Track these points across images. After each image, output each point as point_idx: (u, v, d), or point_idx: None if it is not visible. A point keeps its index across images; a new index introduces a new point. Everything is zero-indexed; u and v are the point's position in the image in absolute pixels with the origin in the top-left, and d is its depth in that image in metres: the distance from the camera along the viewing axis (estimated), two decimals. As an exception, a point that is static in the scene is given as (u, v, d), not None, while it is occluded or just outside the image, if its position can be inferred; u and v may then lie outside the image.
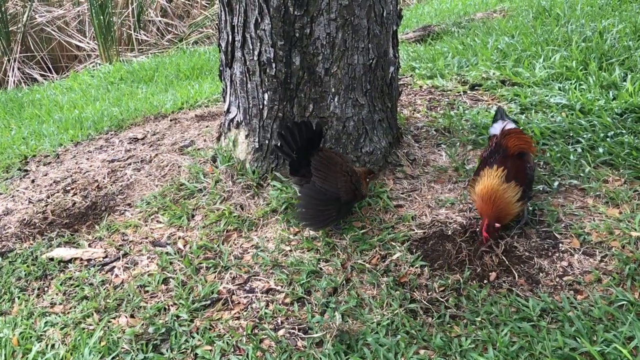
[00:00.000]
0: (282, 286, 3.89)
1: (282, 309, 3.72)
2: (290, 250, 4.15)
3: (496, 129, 4.29)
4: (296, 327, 3.61)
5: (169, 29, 15.45)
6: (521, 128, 4.08)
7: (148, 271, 4.13)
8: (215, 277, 4.02)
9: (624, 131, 5.08)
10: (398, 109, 5.60)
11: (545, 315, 3.55)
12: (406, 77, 6.78)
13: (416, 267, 3.92)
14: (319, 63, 4.37)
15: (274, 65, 4.37)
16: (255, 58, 4.40)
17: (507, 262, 3.92)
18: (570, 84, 6.01)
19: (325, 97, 4.46)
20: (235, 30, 4.45)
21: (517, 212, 3.96)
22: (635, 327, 3.30)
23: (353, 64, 4.42)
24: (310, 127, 4.10)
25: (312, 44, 4.32)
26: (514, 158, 4.09)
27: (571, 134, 5.13)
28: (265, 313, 3.70)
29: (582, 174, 4.65)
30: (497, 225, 3.89)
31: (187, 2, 16.03)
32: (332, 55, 4.36)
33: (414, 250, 4.06)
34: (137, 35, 14.65)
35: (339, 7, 4.25)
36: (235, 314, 3.74)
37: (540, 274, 3.85)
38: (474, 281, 3.82)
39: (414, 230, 4.22)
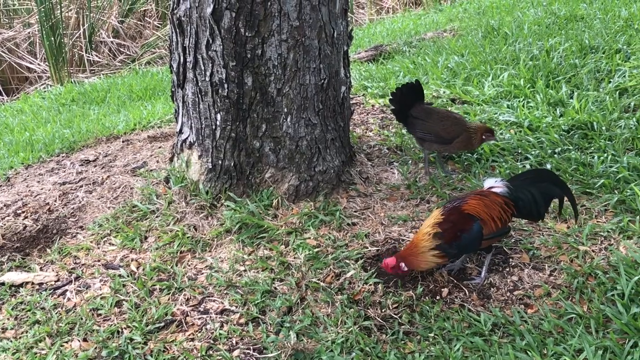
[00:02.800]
0: (236, 306, 3.89)
1: (236, 330, 3.72)
2: (245, 270, 4.15)
3: (487, 183, 4.05)
4: (251, 347, 3.61)
5: (121, 49, 15.34)
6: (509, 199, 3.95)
7: (101, 294, 4.09)
8: (169, 299, 4.00)
9: (570, 147, 5.19)
10: (351, 127, 5.64)
11: (497, 329, 3.61)
12: (359, 96, 6.84)
13: (370, 285, 3.95)
14: (271, 83, 4.40)
15: (226, 85, 4.38)
16: (207, 79, 4.41)
17: (455, 281, 3.98)
18: (519, 101, 6.13)
19: (278, 117, 4.49)
20: (187, 52, 4.46)
21: (428, 266, 3.84)
22: (584, 339, 3.37)
23: (305, 84, 4.46)
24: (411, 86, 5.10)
25: (264, 64, 4.35)
26: (461, 216, 3.80)
27: (520, 151, 5.23)
28: (220, 334, 3.70)
29: (531, 190, 4.74)
30: (403, 266, 3.78)
31: (139, 22, 15.96)
32: (284, 76, 4.39)
33: (368, 268, 4.09)
34: (88, 57, 14.52)
35: (290, 28, 4.29)
36: (189, 335, 3.73)
37: (491, 289, 3.91)
38: (427, 297, 3.87)
39: (367, 247, 4.25)
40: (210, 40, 4.31)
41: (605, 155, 4.99)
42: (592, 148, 5.19)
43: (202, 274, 4.18)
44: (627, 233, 4.22)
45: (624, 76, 6.21)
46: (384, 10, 16.93)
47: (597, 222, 4.39)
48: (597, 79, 6.40)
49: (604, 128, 5.40)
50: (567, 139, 5.34)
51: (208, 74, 4.40)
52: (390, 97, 5.24)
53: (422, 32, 10.74)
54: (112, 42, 15.26)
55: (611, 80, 6.28)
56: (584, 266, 3.95)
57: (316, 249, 4.23)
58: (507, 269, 4.05)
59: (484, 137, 4.85)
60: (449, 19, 11.62)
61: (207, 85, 4.43)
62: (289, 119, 4.50)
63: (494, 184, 3.95)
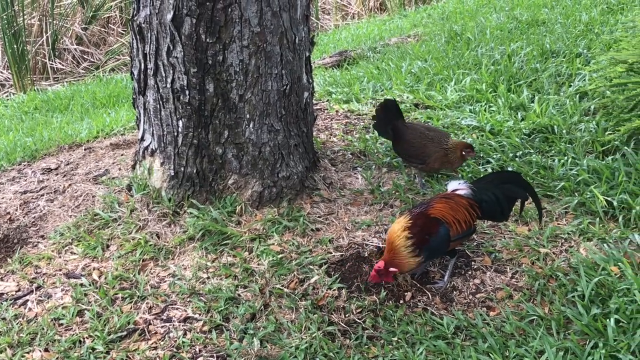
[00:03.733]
0: (199, 314, 3.87)
1: (200, 337, 3.70)
2: (208, 278, 4.13)
3: (451, 185, 4.08)
4: (214, 355, 3.59)
5: (85, 56, 15.21)
6: (476, 203, 3.93)
7: (62, 304, 4.04)
8: (131, 308, 3.96)
9: (532, 151, 5.25)
10: (314, 133, 5.65)
11: (460, 332, 3.63)
12: (323, 102, 6.85)
13: (334, 290, 3.95)
14: (233, 90, 4.39)
15: (187, 92, 4.36)
16: (169, 85, 4.39)
17: (419, 285, 4.00)
18: (481, 106, 6.18)
19: (240, 123, 4.48)
20: (148, 58, 4.43)
21: (410, 268, 3.83)
22: (546, 341, 3.40)
23: (267, 90, 4.45)
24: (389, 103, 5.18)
25: (226, 70, 4.33)
26: (428, 220, 3.80)
27: (482, 155, 5.27)
28: (183, 342, 3.68)
29: (493, 194, 4.78)
30: (393, 269, 3.77)
31: (103, 29, 15.84)
32: (245, 82, 4.38)
33: (332, 273, 4.09)
34: (52, 64, 14.37)
35: (251, 35, 4.28)
36: (152, 344, 3.70)
37: (454, 292, 3.94)
38: (390, 301, 3.88)
39: (331, 253, 4.26)
40: (171, 47, 4.29)
41: (566, 158, 5.05)
42: (553, 151, 5.25)
43: (165, 281, 4.15)
44: (587, 235, 4.28)
45: (584, 80, 6.29)
46: (350, 16, 16.98)
47: (558, 224, 4.44)
48: (557, 83, 6.48)
49: (564, 131, 5.46)
50: (528, 142, 5.39)
51: (169, 80, 4.37)
52: (373, 114, 5.39)
53: (386, 37, 10.79)
54: (75, 49, 15.13)
55: (572, 84, 6.37)
56: (545, 268, 3.99)
57: (280, 255, 4.22)
58: (470, 272, 4.08)
59: (463, 152, 4.78)
60: (413, 24, 11.69)
61: (168, 92, 4.41)
62: (251, 125, 4.49)
63: (458, 186, 3.99)
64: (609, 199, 4.51)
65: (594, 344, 3.37)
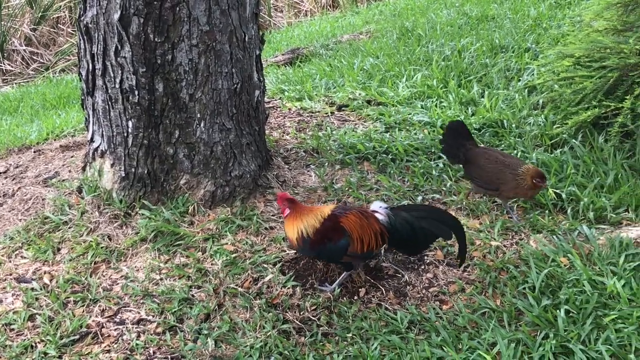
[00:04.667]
0: (153, 316, 3.84)
1: (154, 339, 3.67)
2: (161, 279, 4.10)
3: (374, 205, 3.95)
4: (169, 357, 3.57)
5: (35, 57, 14.98)
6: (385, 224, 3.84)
7: (13, 309, 3.97)
8: (83, 311, 3.91)
9: (482, 145, 5.30)
10: (267, 131, 5.64)
11: (413, 326, 3.66)
12: (275, 100, 6.84)
13: (288, 288, 3.95)
14: (183, 89, 4.36)
15: (136, 92, 4.32)
16: (117, 86, 4.34)
17: (372, 280, 4.01)
18: (432, 101, 6.24)
19: (191, 123, 4.45)
20: (95, 59, 4.38)
21: (293, 245, 3.90)
22: (498, 333, 3.45)
23: (217, 88, 4.43)
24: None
25: (175, 70, 4.30)
26: (336, 226, 3.79)
27: (433, 150, 5.32)
28: (137, 344, 3.64)
29: (444, 188, 4.84)
30: (286, 212, 3.90)
31: (52, 30, 15.61)
32: (195, 81, 4.35)
33: (286, 271, 4.09)
34: (0, 66, 14.13)
35: (200, 33, 4.26)
36: (105, 347, 3.66)
37: (408, 287, 3.97)
38: (345, 298, 3.89)
39: (285, 251, 4.25)
40: (119, 47, 4.24)
41: (515, 152, 5.12)
42: (503, 145, 5.32)
43: (118, 284, 4.11)
44: (537, 227, 4.35)
45: (533, 74, 6.38)
46: (302, 13, 16.96)
47: (509, 217, 4.50)
48: (507, 78, 6.56)
49: (513, 125, 5.54)
50: (479, 137, 5.45)
51: (118, 80, 4.33)
52: (440, 139, 4.91)
53: (339, 34, 10.80)
54: (24, 50, 14.89)
55: (520, 78, 6.46)
56: (496, 261, 4.04)
57: (234, 255, 4.21)
58: (423, 267, 4.12)
59: (534, 181, 4.30)
60: (365, 21, 11.72)
61: (117, 92, 4.36)
62: (202, 125, 4.47)
63: (378, 209, 3.89)
64: (557, 191, 4.60)
65: (544, 334, 3.43)
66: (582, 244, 4.05)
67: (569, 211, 4.45)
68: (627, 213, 4.43)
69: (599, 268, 3.83)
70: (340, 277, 3.97)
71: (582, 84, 5.19)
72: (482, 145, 4.95)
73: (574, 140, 5.12)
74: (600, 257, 3.90)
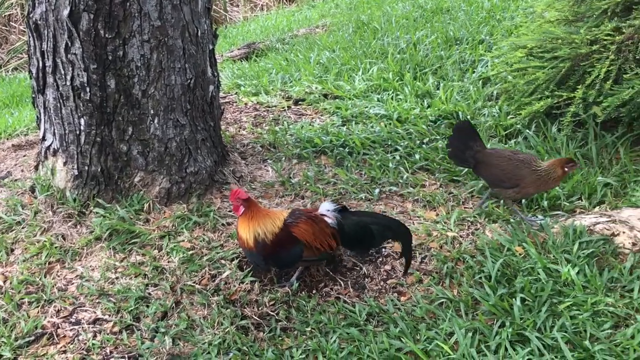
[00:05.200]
0: (109, 315, 3.79)
1: (110, 339, 3.62)
2: (117, 278, 4.05)
3: (323, 207, 3.94)
4: (126, 356, 3.53)
5: (-14, 56, 14.73)
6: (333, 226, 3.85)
7: (-35, 312, 3.90)
8: (38, 312, 3.85)
9: (438, 137, 5.34)
10: (223, 127, 5.61)
11: (372, 319, 3.67)
12: (231, 95, 6.80)
13: (246, 284, 3.94)
14: (135, 85, 4.30)
15: (88, 89, 4.25)
16: (68, 83, 4.27)
17: (331, 274, 4.02)
18: (388, 94, 6.25)
19: (144, 119, 4.40)
20: (46, 56, 4.30)
21: (243, 246, 3.86)
22: (455, 323, 3.47)
23: (171, 84, 4.38)
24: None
25: (127, 66, 4.25)
26: (288, 237, 3.79)
27: (390, 143, 5.33)
28: (93, 344, 3.60)
29: (401, 181, 4.85)
30: (240, 210, 3.82)
31: (4, 28, 15.33)
32: (148, 77, 4.30)
33: (244, 267, 4.07)
34: (-49, 64, 13.88)
35: (152, 29, 4.21)
36: (61, 347, 3.61)
37: (366, 279, 3.97)
38: (303, 292, 3.88)
39: (244, 247, 4.23)
40: (69, 44, 4.17)
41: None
42: (459, 136, 5.34)
43: (73, 284, 4.05)
44: (492, 217, 4.39)
45: (487, 66, 6.44)
46: (258, 8, 16.88)
47: (465, 208, 4.54)
48: (461, 70, 6.60)
49: (469, 117, 5.58)
50: (435, 129, 5.48)
51: (69, 78, 4.26)
52: (447, 142, 4.73)
53: (295, 28, 10.79)
54: (-24, 48, 14.62)
55: (475, 70, 6.51)
56: (453, 251, 4.07)
57: (190, 252, 4.17)
58: (381, 259, 4.13)
59: (565, 169, 4.21)
60: (321, 15, 11.72)
61: (68, 89, 4.29)
62: (156, 121, 4.42)
63: (326, 212, 3.89)
64: (512, 181, 4.63)
65: (501, 323, 3.47)
66: (536, 232, 4.10)
67: (523, 200, 4.49)
68: (580, 201, 4.49)
69: (554, 256, 3.87)
70: (297, 272, 3.98)
71: (534, 75, 5.24)
72: (489, 146, 4.79)
73: (527, 131, 5.17)
74: (555, 245, 3.95)
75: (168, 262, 4.13)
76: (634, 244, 3.90)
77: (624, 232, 3.98)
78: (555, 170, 4.21)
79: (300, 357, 3.43)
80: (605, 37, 4.87)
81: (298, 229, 3.80)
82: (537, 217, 4.39)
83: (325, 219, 3.85)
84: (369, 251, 4.11)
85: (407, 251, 3.85)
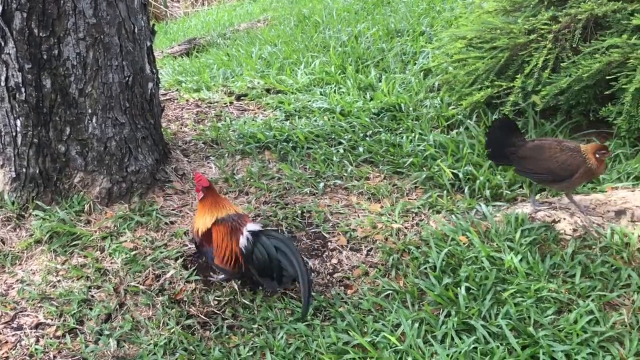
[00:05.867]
0: (52, 319, 3.72)
1: (53, 343, 3.55)
2: (59, 281, 3.97)
3: (249, 227, 3.69)
4: (70, 360, 3.47)
5: None
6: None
7: None
8: (-22, 319, 3.76)
9: (381, 130, 5.36)
10: (164, 124, 5.54)
11: (319, 313, 3.67)
12: (172, 92, 6.73)
13: (192, 283, 3.90)
14: (72, 84, 4.22)
15: (23, 89, 4.15)
16: (3, 84, 4.16)
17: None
18: (331, 88, 6.25)
19: (82, 119, 4.31)
20: (-22, 57, 4.20)
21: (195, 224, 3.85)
22: (401, 314, 3.48)
23: (108, 82, 4.31)
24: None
25: (62, 65, 4.16)
26: (209, 234, 3.73)
27: (333, 137, 5.33)
28: (36, 349, 3.53)
29: (345, 174, 4.85)
30: (200, 195, 3.81)
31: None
32: (85, 75, 4.22)
33: (189, 266, 4.03)
34: None
35: (87, 26, 4.13)
36: (3, 353, 3.53)
37: (313, 273, 3.96)
38: (249, 289, 3.86)
39: (187, 245, 4.19)
40: (2, 44, 4.07)
41: (413, 134, 5.18)
42: (401, 129, 5.38)
43: (13, 288, 3.96)
44: (436, 208, 4.41)
45: (428, 57, 6.47)
46: (199, 3, 16.76)
47: (409, 199, 4.55)
48: (403, 62, 6.63)
49: (411, 109, 5.60)
50: (378, 121, 5.49)
51: (3, 78, 4.15)
52: (485, 142, 4.40)
53: (236, 23, 10.75)
54: None
55: (416, 62, 6.54)
56: (398, 243, 4.08)
57: (133, 252, 4.12)
58: (327, 253, 4.12)
59: (597, 155, 3.97)
60: (262, 9, 11.69)
61: (3, 90, 4.18)
62: (94, 120, 4.34)
63: (245, 231, 3.68)
64: (455, 171, 4.68)
65: (447, 312, 3.50)
66: (479, 221, 4.13)
67: (466, 190, 4.54)
68: (521, 189, 4.54)
69: (497, 244, 3.91)
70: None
71: (474, 65, 5.29)
72: (528, 138, 4.48)
73: (469, 121, 5.22)
74: (498, 233, 4.00)
75: (111, 263, 4.06)
76: (574, 230, 3.96)
77: (564, 219, 4.05)
78: (590, 157, 3.98)
79: (248, 354, 3.41)
80: (543, 27, 4.94)
81: (218, 228, 3.74)
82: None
83: (240, 237, 3.66)
84: (275, 284, 3.71)
85: (308, 290, 3.50)
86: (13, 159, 4.36)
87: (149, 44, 4.64)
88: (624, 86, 4.50)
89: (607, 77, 4.61)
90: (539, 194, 4.49)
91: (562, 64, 4.81)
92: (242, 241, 3.66)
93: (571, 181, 4.04)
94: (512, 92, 4.99)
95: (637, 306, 3.41)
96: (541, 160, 4.09)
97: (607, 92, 4.67)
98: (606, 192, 4.31)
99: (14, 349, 3.56)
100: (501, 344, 3.26)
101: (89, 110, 4.31)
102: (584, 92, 4.83)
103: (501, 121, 4.40)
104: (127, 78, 4.39)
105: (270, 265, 3.60)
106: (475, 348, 3.24)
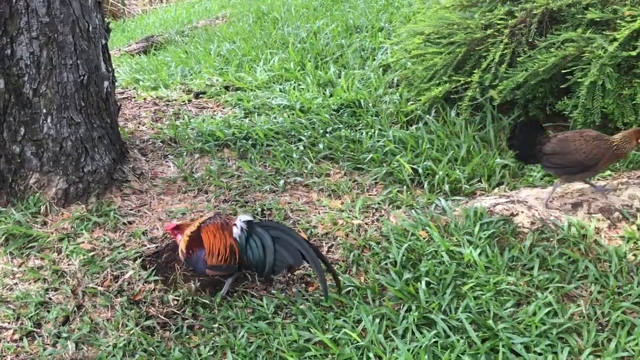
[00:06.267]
0: (9, 322, 3.65)
1: (10, 347, 3.49)
2: (16, 283, 3.90)
3: (239, 217, 3.73)
4: (27, 364, 3.42)
5: None
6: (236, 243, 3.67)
7: None
8: None
9: (341, 126, 5.36)
10: (122, 123, 5.49)
11: (280, 311, 3.65)
12: (130, 90, 6.66)
13: (151, 283, 3.86)
14: (26, 84, 4.15)
15: (-25, 90, 4.09)
16: (-45, 84, 4.09)
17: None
18: (290, 84, 6.24)
19: (37, 119, 4.25)
20: None
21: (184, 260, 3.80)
22: (362, 310, 3.48)
23: (63, 82, 4.24)
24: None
25: (16, 64, 4.09)
26: (199, 237, 3.68)
27: (293, 133, 5.32)
28: (-7, 353, 3.47)
29: (305, 171, 4.85)
30: (178, 239, 3.77)
31: None
32: (38, 75, 4.15)
33: (148, 266, 3.99)
34: None
35: (40, 25, 4.06)
36: (-42, 360, 3.47)
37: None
38: (209, 288, 3.83)
39: (146, 245, 4.15)
40: (-47, 43, 4.00)
41: (373, 130, 5.19)
42: (361, 125, 5.38)
43: (-31, 293, 3.89)
44: (396, 203, 4.42)
45: (387, 53, 6.48)
46: (157, 0, 16.61)
47: (369, 195, 4.56)
48: (362, 58, 6.64)
49: (370, 105, 5.62)
50: (337, 117, 5.50)
51: (-46, 79, 4.08)
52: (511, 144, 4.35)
53: (195, 20, 10.68)
54: None
55: (375, 57, 6.55)
56: (359, 239, 4.08)
57: (91, 253, 4.06)
58: (287, 251, 4.10)
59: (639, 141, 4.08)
60: (221, 5, 11.64)
61: (-46, 91, 4.11)
62: (49, 120, 4.27)
63: (240, 222, 3.68)
64: (414, 166, 4.70)
65: (407, 307, 3.50)
66: (439, 216, 4.15)
67: (425, 185, 4.56)
68: (480, 183, 4.58)
69: (456, 239, 3.94)
70: (226, 283, 3.83)
71: (432, 61, 5.31)
72: (551, 134, 4.36)
73: (427, 116, 5.25)
74: (457, 227, 4.02)
75: (68, 265, 4.01)
76: (532, 223, 4.00)
77: (522, 212, 4.08)
78: (630, 142, 4.08)
79: (209, 354, 3.39)
80: (499, 22, 4.98)
81: (206, 229, 3.71)
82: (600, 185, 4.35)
83: (234, 228, 3.69)
84: (270, 275, 3.72)
85: (321, 274, 3.55)
86: (-34, 160, 4.29)
87: (104, 42, 4.58)
88: (579, 80, 4.55)
89: (563, 71, 4.67)
90: (497, 188, 4.53)
91: (518, 59, 4.85)
92: (236, 231, 3.65)
93: (596, 168, 4.12)
94: (470, 87, 5.02)
95: (595, 297, 3.46)
96: (568, 153, 4.11)
97: (563, 86, 4.72)
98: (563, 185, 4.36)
99: (-31, 354, 3.51)
100: (461, 338, 3.27)
101: (44, 110, 4.24)
102: (541, 86, 4.89)
103: (524, 122, 4.36)
104: (82, 77, 4.33)
105: (265, 257, 3.59)
106: (436, 342, 3.25)
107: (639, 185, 4.16)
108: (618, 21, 4.49)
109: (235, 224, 3.69)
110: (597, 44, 4.49)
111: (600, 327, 3.32)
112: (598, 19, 4.59)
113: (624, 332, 3.21)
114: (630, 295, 3.46)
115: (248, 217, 3.73)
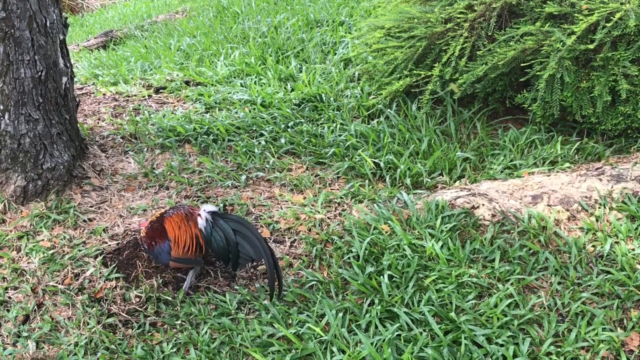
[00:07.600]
0: (-33, 323, 3.60)
1: (-32, 348, 3.44)
2: (-27, 283, 3.85)
3: (203, 207, 3.71)
4: (-14, 365, 3.37)
5: None
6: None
7: None
8: None
9: (302, 120, 5.35)
10: (81, 119, 5.42)
11: (243, 307, 3.64)
12: (89, 86, 6.58)
13: (112, 281, 3.82)
14: (-18, 80, 4.08)
15: None
16: None
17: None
18: (251, 79, 6.21)
19: (-6, 116, 4.18)
20: None
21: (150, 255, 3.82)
22: (326, 304, 3.49)
23: (20, 78, 4.17)
24: None
25: (-29, 60, 4.02)
26: (161, 228, 3.69)
27: (255, 128, 5.30)
28: (-49, 355, 3.41)
29: (267, 166, 4.84)
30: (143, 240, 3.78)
31: None
32: (-5, 71, 4.09)
33: (109, 263, 3.95)
34: None
35: (-4, 20, 4.00)
36: None
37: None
38: (171, 285, 3.81)
39: (107, 242, 4.10)
40: None
41: (335, 125, 5.20)
42: (323, 119, 5.39)
43: None
44: (358, 197, 4.43)
45: (347, 47, 6.49)
46: (116, -5, 16.41)
47: (331, 189, 4.56)
48: (323, 52, 6.64)
49: (332, 99, 5.61)
50: (299, 112, 5.49)
51: None
52: None
53: (154, 15, 10.57)
54: None
55: (336, 52, 6.55)
56: (322, 234, 4.09)
57: (51, 251, 4.01)
58: (250, 246, 4.09)
59: None
60: (181, 0, 11.52)
61: None
62: (6, 117, 4.20)
63: (204, 213, 3.68)
64: (376, 160, 4.71)
65: (370, 301, 3.52)
66: (401, 210, 4.17)
67: (387, 179, 4.57)
68: (441, 177, 4.61)
69: (418, 232, 3.96)
70: (188, 276, 3.83)
71: (393, 55, 5.32)
72: None
73: (389, 110, 5.26)
74: (419, 221, 4.04)
75: (28, 263, 3.95)
76: (493, 215, 4.04)
77: (483, 205, 4.12)
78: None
79: (172, 351, 3.37)
80: (459, 15, 5.01)
81: (170, 220, 3.71)
82: None
83: (198, 218, 3.69)
84: (236, 266, 3.70)
85: (272, 273, 3.51)
86: None
87: (62, 37, 4.50)
88: (538, 73, 4.60)
89: (522, 65, 4.72)
90: (458, 181, 4.56)
91: (478, 52, 4.89)
92: (201, 222, 3.65)
93: None
94: (431, 81, 5.05)
95: (555, 289, 3.51)
96: None
97: (522, 79, 4.76)
98: (523, 177, 4.40)
99: None
100: (424, 330, 3.30)
101: (1, 107, 4.17)
102: (500, 79, 4.93)
103: None
104: (39, 73, 4.26)
105: (228, 249, 3.59)
106: (399, 335, 3.27)
107: (597, 177, 4.21)
108: (576, 15, 4.54)
109: (199, 215, 3.67)
110: (555, 37, 4.54)
111: (561, 318, 3.37)
112: (556, 13, 4.64)
113: (584, 323, 3.26)
114: (589, 286, 3.52)
115: (212, 208, 3.72)
